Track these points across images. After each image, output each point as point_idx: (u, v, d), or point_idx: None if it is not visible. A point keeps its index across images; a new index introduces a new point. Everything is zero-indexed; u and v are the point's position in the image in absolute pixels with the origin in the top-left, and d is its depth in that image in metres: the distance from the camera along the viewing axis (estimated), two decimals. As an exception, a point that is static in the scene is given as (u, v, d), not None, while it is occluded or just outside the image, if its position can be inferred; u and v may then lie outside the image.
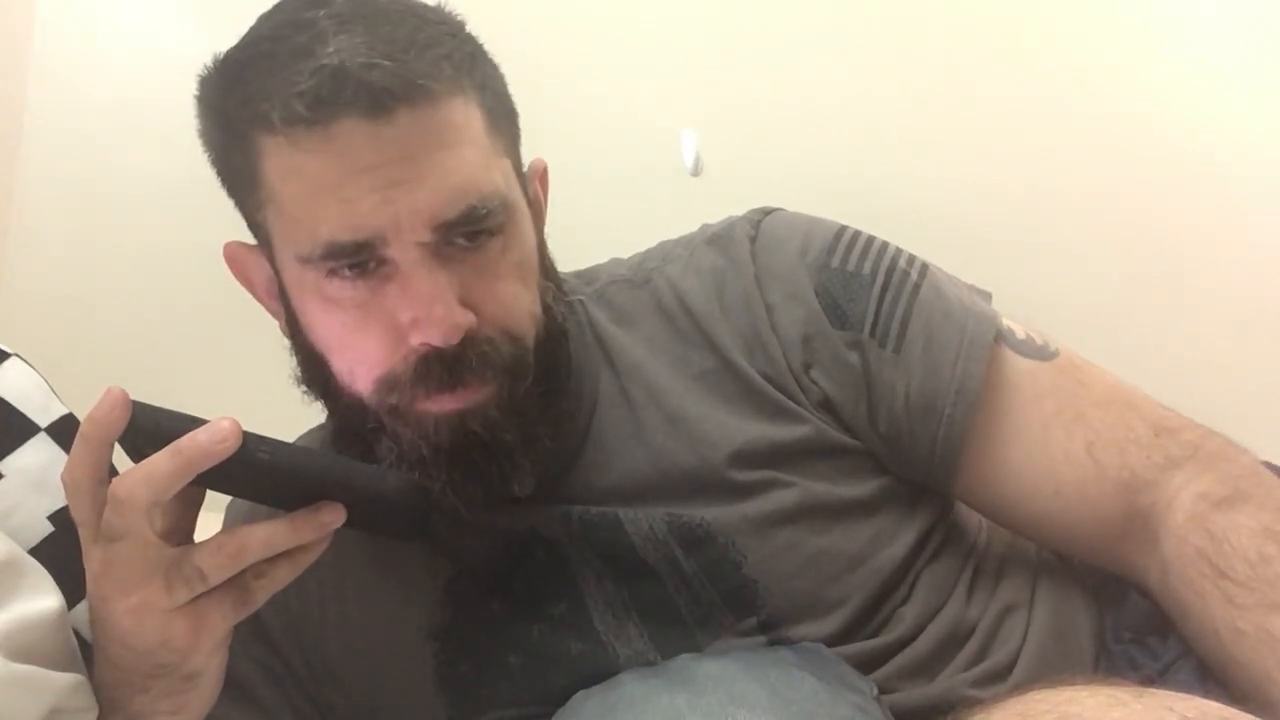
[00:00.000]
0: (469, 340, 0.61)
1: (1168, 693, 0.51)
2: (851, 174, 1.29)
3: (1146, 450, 0.68)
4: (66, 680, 0.59)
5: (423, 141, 0.59)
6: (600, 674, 0.64)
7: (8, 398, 0.71)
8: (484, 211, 0.61)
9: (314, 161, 0.59)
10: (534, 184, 0.71)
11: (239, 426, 0.55)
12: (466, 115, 0.61)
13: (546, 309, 0.66)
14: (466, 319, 0.60)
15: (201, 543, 0.56)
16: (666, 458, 0.69)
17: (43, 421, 0.71)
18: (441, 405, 0.62)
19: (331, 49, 0.58)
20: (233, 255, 0.70)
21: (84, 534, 0.57)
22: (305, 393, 0.68)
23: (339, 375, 0.64)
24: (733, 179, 1.33)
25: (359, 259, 0.60)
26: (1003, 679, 0.68)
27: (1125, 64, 1.30)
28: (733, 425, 0.69)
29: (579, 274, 0.79)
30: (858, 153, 1.32)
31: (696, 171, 1.33)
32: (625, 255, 0.80)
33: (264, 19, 0.64)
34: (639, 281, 0.75)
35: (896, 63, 1.33)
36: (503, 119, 0.66)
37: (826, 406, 0.70)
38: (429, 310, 0.60)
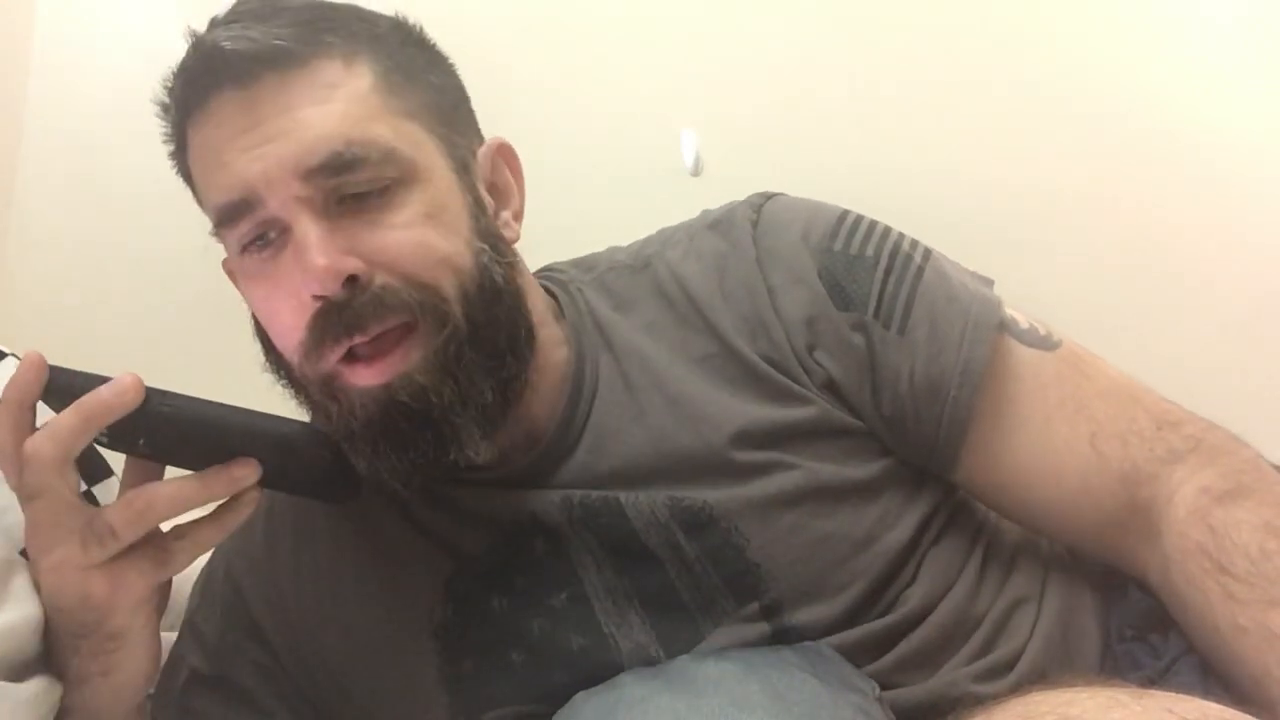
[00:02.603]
0: (360, 286, 0.62)
1: (1168, 694, 0.51)
2: (852, 174, 1.29)
3: (1149, 443, 0.68)
4: (29, 689, 0.60)
5: (290, 100, 0.62)
6: (602, 668, 0.64)
7: (5, 397, 0.70)
8: (351, 157, 0.61)
9: (203, 138, 0.64)
10: (487, 164, 0.71)
11: (140, 381, 0.57)
12: (345, 75, 0.64)
13: (481, 269, 0.65)
14: (346, 264, 0.61)
15: (112, 502, 0.58)
16: (668, 439, 0.68)
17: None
18: (363, 379, 0.62)
19: (211, 37, 0.63)
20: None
21: (19, 499, 0.59)
22: (275, 380, 0.69)
23: (281, 353, 0.66)
24: (733, 179, 1.32)
25: (257, 227, 0.63)
26: (1005, 674, 0.67)
27: (1125, 61, 1.30)
28: (735, 407, 0.68)
29: (577, 262, 0.79)
30: (858, 153, 1.32)
31: (696, 171, 1.33)
32: (625, 254, 0.79)
33: None
34: (638, 267, 0.75)
35: (897, 62, 1.33)
36: (414, 90, 0.66)
37: (830, 388, 0.70)
38: (307, 260, 0.61)
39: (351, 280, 0.61)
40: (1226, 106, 1.28)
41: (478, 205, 0.68)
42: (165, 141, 0.69)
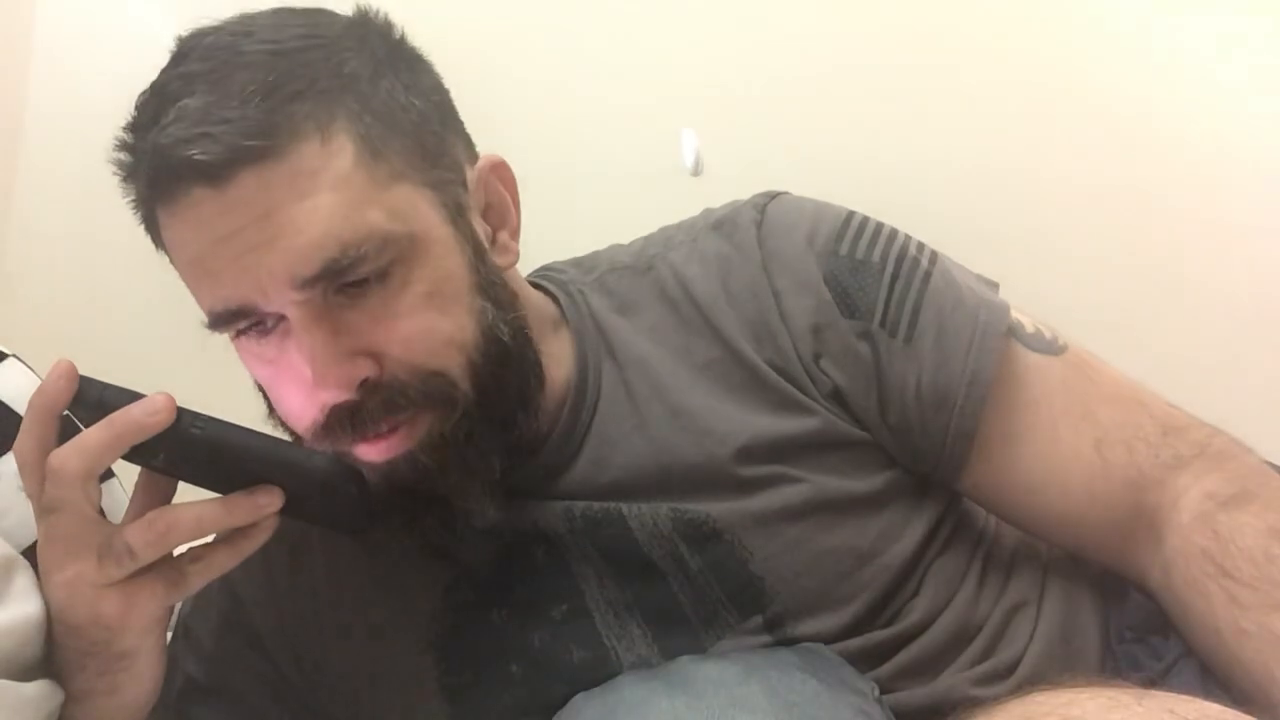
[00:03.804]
0: (371, 388, 0.60)
1: (1169, 695, 0.51)
2: (853, 174, 1.28)
3: (1154, 448, 0.68)
4: (33, 690, 0.59)
5: (271, 198, 0.57)
6: (602, 681, 0.64)
7: (4, 399, 0.70)
8: (347, 261, 0.58)
9: (178, 234, 0.60)
10: (480, 189, 0.68)
11: (173, 401, 0.56)
12: (324, 156, 0.58)
13: (485, 332, 0.63)
14: (358, 370, 0.59)
15: (134, 521, 0.57)
16: (670, 452, 0.68)
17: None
18: (369, 455, 0.61)
19: (169, 119, 0.57)
20: None
21: (34, 509, 0.58)
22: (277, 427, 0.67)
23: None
24: (733, 179, 1.32)
25: (252, 322, 0.60)
26: (1006, 678, 0.67)
27: (1128, 60, 1.30)
28: (739, 418, 0.68)
29: (577, 262, 0.78)
30: (859, 152, 1.32)
31: (696, 171, 1.33)
32: (625, 256, 0.79)
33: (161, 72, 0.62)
34: (641, 269, 0.74)
35: (898, 61, 1.33)
36: (398, 140, 0.62)
37: (836, 397, 0.69)
38: (316, 370, 0.58)
39: (363, 381, 0.60)
40: (1228, 106, 1.28)
41: (476, 253, 0.65)
42: (127, 199, 0.63)
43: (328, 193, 0.58)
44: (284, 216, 0.57)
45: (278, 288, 0.58)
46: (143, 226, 0.64)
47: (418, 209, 0.62)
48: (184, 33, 0.62)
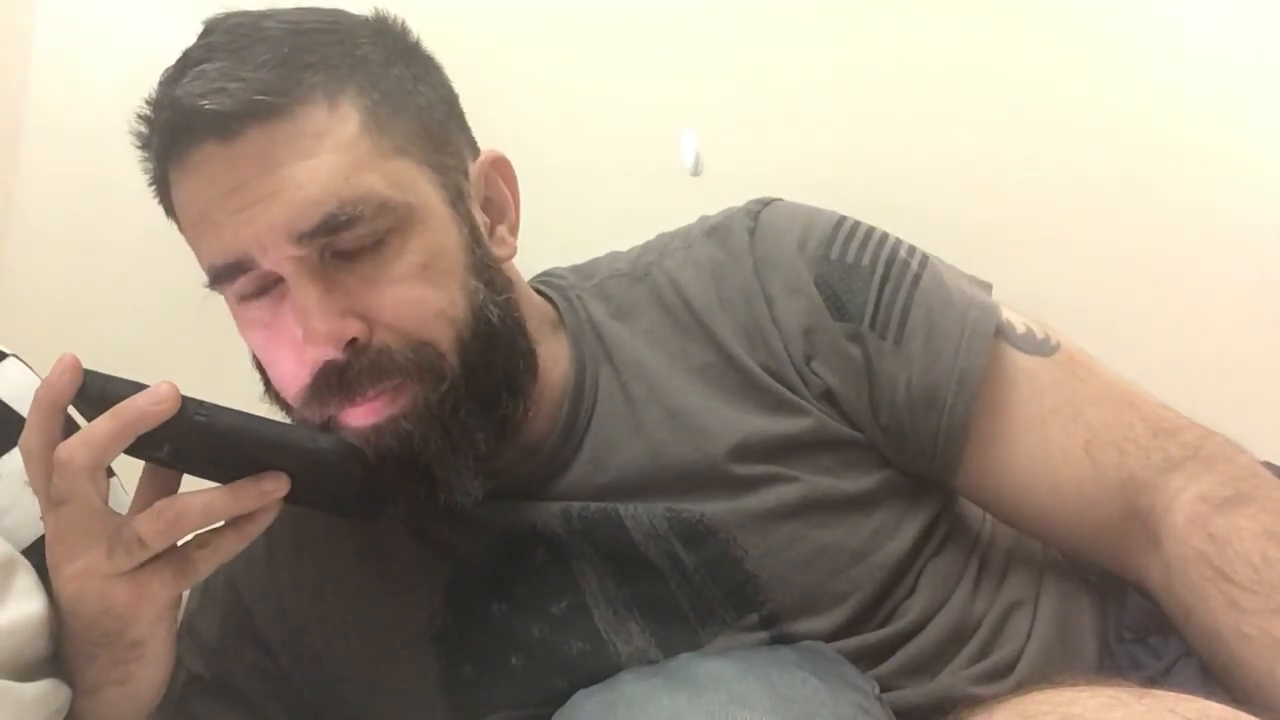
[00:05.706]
0: (359, 349, 0.61)
1: (1170, 694, 0.51)
2: (853, 174, 1.29)
3: (1145, 450, 0.68)
4: (35, 690, 0.59)
5: (275, 155, 0.60)
6: (602, 674, 0.64)
7: (4, 398, 0.70)
8: (345, 217, 0.60)
9: (187, 191, 0.62)
10: (481, 181, 0.69)
11: (177, 390, 0.56)
12: (330, 121, 0.61)
13: (476, 311, 0.64)
14: (346, 328, 0.60)
15: (142, 511, 0.57)
16: (666, 453, 0.68)
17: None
18: (352, 419, 0.62)
19: (186, 80, 0.60)
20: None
21: (40, 502, 0.58)
22: (275, 407, 0.68)
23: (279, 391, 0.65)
24: (733, 179, 1.32)
25: (253, 281, 0.62)
26: (1004, 676, 0.68)
27: (1125, 61, 1.30)
28: (733, 419, 0.68)
29: (577, 269, 0.79)
30: (859, 153, 1.32)
31: (696, 171, 1.33)
32: (625, 257, 0.79)
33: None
34: (638, 275, 0.75)
35: (898, 62, 1.33)
36: (403, 120, 0.64)
37: (828, 398, 0.70)
38: (307, 324, 0.60)
39: (352, 342, 0.61)
40: (1226, 105, 1.28)
41: (473, 235, 0.66)
42: (144, 171, 0.67)
43: (330, 154, 0.61)
44: (287, 172, 0.60)
45: (276, 242, 0.60)
46: (157, 198, 0.67)
47: (417, 183, 0.64)
48: (212, 14, 0.65)
